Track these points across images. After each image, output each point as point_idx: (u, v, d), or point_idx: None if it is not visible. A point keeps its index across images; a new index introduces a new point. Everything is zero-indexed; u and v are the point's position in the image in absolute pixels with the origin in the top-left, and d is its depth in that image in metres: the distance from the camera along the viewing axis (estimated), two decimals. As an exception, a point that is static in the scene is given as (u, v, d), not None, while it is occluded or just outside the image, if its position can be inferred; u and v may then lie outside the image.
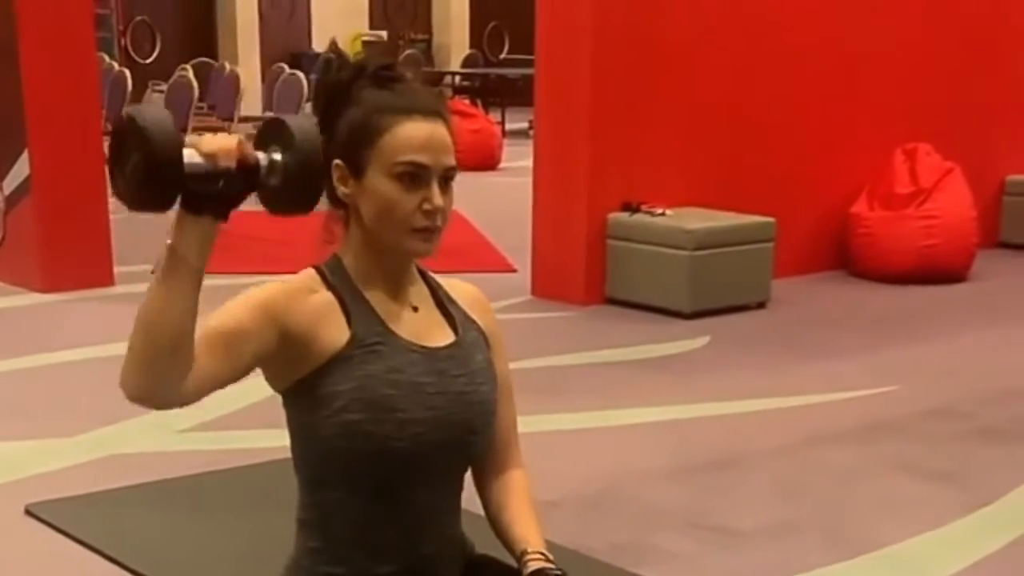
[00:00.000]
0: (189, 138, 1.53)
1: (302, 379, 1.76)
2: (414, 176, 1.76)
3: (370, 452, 1.75)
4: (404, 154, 1.76)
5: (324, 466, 1.79)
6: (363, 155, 1.77)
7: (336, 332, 1.76)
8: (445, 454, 1.82)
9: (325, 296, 1.79)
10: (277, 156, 1.57)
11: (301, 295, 1.76)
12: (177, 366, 1.59)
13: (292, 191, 1.58)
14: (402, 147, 1.76)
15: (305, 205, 1.63)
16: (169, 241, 1.57)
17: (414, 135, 1.77)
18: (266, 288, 1.76)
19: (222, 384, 1.69)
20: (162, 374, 1.59)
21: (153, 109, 1.54)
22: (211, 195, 1.53)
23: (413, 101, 1.79)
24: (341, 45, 15.21)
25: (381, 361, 1.77)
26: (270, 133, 1.61)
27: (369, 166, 1.77)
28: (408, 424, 1.76)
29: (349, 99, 1.79)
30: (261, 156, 1.58)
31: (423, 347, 1.82)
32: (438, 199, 1.77)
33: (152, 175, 1.48)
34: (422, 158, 1.76)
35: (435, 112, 1.80)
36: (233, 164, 1.54)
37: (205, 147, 1.54)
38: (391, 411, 1.75)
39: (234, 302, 1.73)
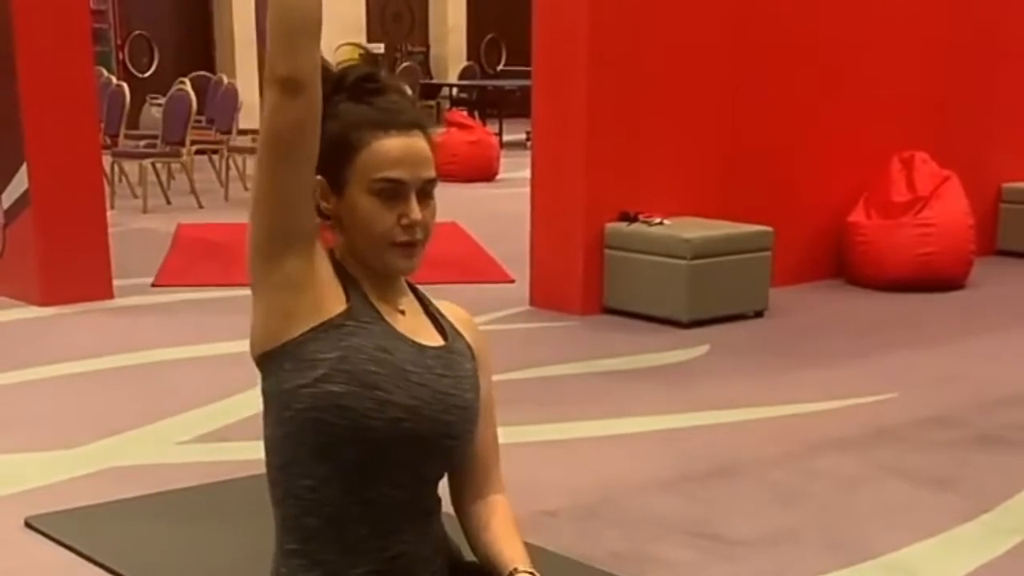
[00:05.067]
0: None
1: (288, 341, 1.75)
2: (391, 192, 1.78)
3: (345, 428, 1.73)
4: (380, 171, 1.77)
5: (296, 445, 1.77)
6: (342, 172, 1.79)
7: (335, 298, 1.78)
8: (420, 450, 1.80)
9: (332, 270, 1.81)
10: None
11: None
12: (317, 32, 1.67)
13: None
14: (378, 164, 1.77)
15: None
16: None
17: (389, 150, 1.78)
18: None
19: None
20: (308, 43, 1.66)
21: None
22: None
23: (390, 115, 1.79)
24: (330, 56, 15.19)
25: (370, 338, 1.77)
26: None
27: (348, 183, 1.79)
28: (388, 406, 1.74)
29: (327, 113, 1.77)
30: None
31: (413, 341, 1.83)
32: (416, 213, 1.79)
33: None
34: (398, 173, 1.78)
35: (413, 124, 1.81)
36: None
37: None
38: (372, 388, 1.74)
39: None
